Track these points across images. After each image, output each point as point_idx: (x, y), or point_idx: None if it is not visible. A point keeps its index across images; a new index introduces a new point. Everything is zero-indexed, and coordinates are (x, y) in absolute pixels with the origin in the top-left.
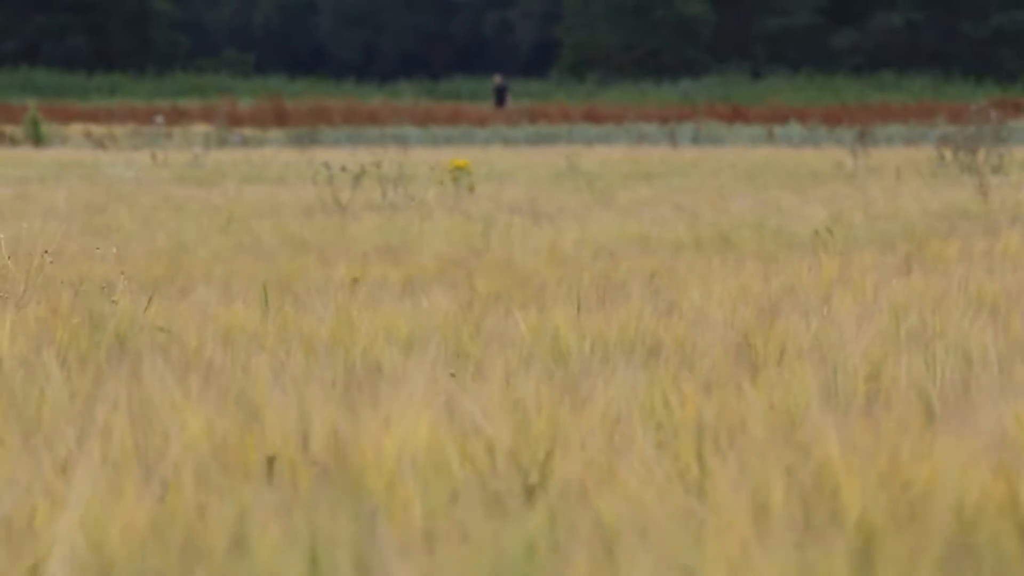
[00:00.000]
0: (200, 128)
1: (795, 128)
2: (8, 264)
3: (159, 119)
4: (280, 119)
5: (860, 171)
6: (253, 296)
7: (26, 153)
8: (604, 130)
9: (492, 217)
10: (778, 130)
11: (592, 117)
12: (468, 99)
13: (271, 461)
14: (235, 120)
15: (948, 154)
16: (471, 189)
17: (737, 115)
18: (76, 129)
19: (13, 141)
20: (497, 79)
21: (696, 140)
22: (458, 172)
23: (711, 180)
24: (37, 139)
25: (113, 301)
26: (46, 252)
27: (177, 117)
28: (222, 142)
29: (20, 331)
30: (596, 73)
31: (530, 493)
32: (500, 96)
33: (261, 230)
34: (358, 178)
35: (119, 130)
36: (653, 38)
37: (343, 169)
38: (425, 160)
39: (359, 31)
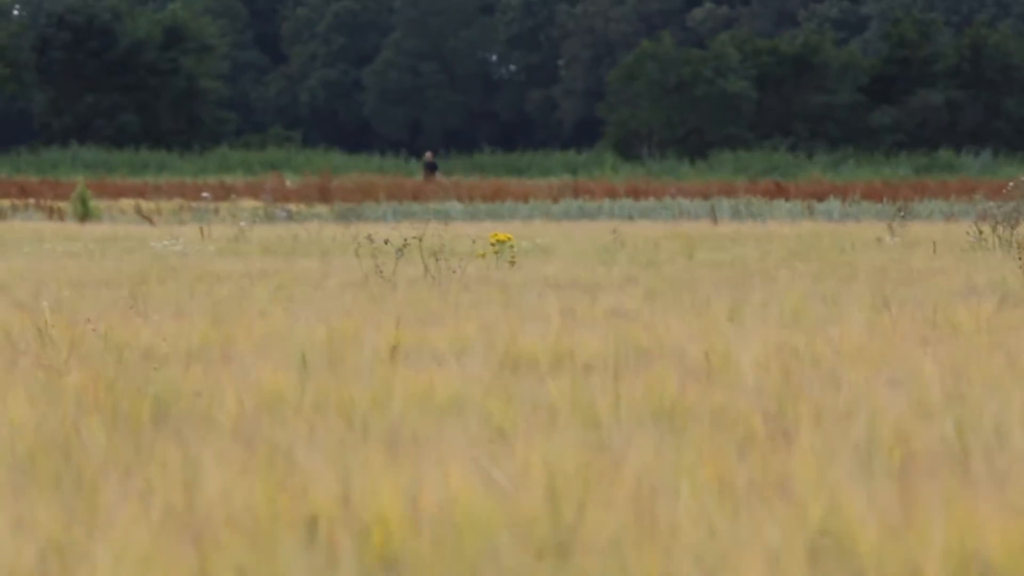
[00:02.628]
0: (247, 204)
1: (835, 203)
2: (52, 332)
3: (206, 195)
4: (325, 195)
5: (898, 245)
6: (294, 362)
7: (74, 228)
8: (646, 205)
9: (531, 289)
10: (818, 205)
11: (634, 192)
12: (511, 175)
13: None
14: (281, 196)
15: (987, 229)
16: (512, 262)
17: (778, 191)
18: (124, 205)
19: (62, 216)
20: (428, 155)
21: (737, 215)
22: (499, 245)
23: (751, 254)
24: (85, 214)
25: (155, 368)
26: (88, 320)
27: (224, 193)
28: (268, 217)
29: (64, 397)
30: (638, 149)
31: (562, 552)
32: (430, 170)
33: (303, 300)
34: (401, 251)
35: (166, 206)
36: (695, 115)
37: (386, 242)
38: (467, 234)
39: (404, 108)
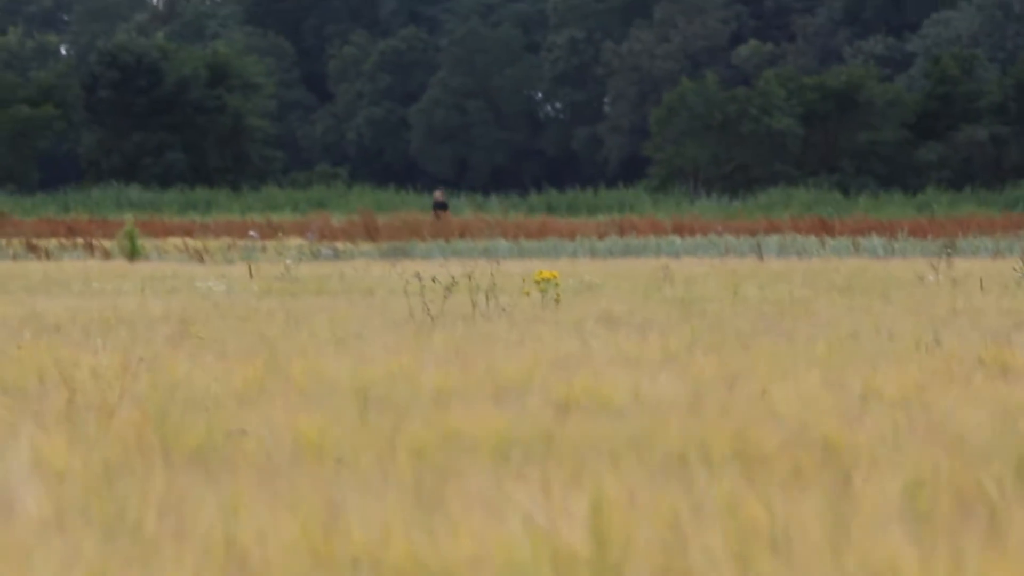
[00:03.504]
0: (293, 242)
1: (880, 240)
2: (102, 371)
3: (253, 233)
4: (372, 233)
5: (944, 282)
6: (341, 402)
7: (122, 266)
8: (692, 242)
9: (579, 327)
10: (863, 242)
11: (680, 230)
12: (558, 212)
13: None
14: (328, 234)
15: None
16: (558, 300)
17: (823, 228)
18: (172, 243)
19: (109, 255)
20: (437, 194)
21: (782, 252)
22: (545, 283)
23: (797, 291)
24: (133, 253)
25: (202, 407)
26: (139, 360)
27: (271, 231)
28: (315, 255)
29: (114, 436)
30: (684, 186)
31: None
32: (440, 208)
33: (351, 339)
34: (448, 289)
35: (214, 244)
36: (741, 152)
37: (433, 280)
38: (514, 271)
39: (450, 146)
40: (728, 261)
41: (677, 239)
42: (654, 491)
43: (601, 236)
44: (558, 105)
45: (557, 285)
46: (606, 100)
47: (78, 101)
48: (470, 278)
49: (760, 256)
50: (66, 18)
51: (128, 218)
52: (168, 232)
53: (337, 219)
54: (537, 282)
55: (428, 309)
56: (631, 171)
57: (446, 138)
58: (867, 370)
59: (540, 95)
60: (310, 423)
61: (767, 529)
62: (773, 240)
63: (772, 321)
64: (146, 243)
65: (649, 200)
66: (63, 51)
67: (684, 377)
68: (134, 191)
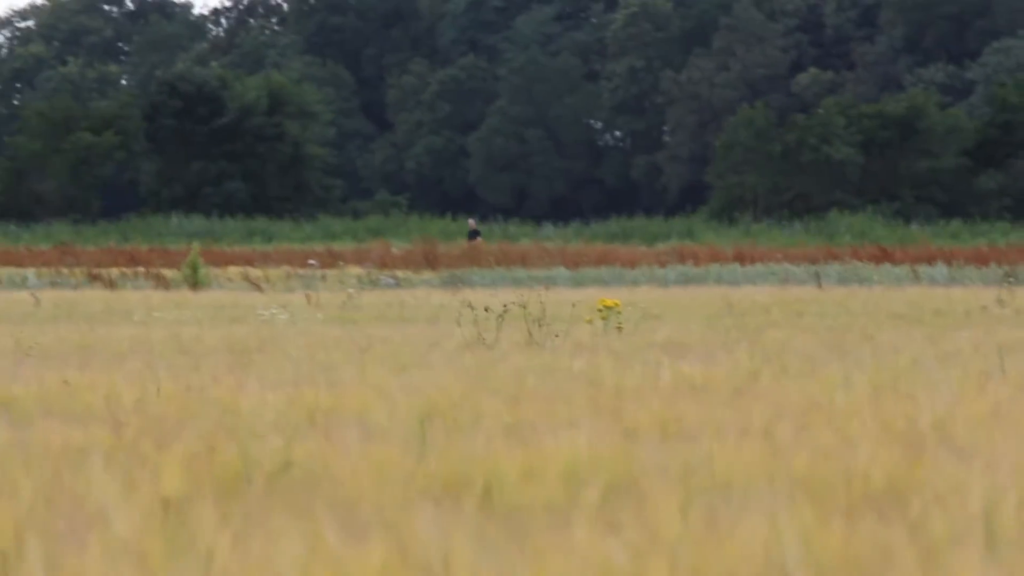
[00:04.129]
0: (353, 270)
1: (941, 269)
2: (164, 400)
3: (313, 262)
4: (431, 261)
5: (1007, 311)
6: (404, 433)
7: (184, 295)
8: (752, 270)
9: (641, 355)
10: (924, 270)
11: (740, 258)
12: (617, 241)
13: None
14: (387, 262)
15: None
16: (620, 328)
17: (883, 256)
18: (233, 272)
19: (172, 284)
20: (471, 222)
21: (842, 280)
22: (607, 311)
23: (857, 319)
24: (195, 282)
25: (263, 437)
26: (200, 389)
27: (331, 260)
28: (374, 284)
29: (175, 468)
30: (744, 214)
31: None
32: (473, 237)
33: (412, 367)
34: (502, 317)
35: (274, 273)
36: (801, 180)
37: (487, 309)
38: (574, 300)
39: (509, 175)
40: (789, 289)
41: (737, 267)
42: (732, 519)
43: (661, 265)
44: (617, 134)
45: (619, 313)
46: (665, 128)
47: (139, 130)
48: (524, 307)
49: (820, 284)
50: (126, 48)
51: (193, 247)
52: (228, 261)
53: (397, 248)
54: (599, 310)
55: (483, 338)
56: (690, 199)
57: (505, 167)
58: (932, 398)
59: (599, 124)
60: (373, 453)
61: (847, 557)
62: (833, 268)
63: (835, 349)
64: (208, 272)
65: (711, 228)
66: (123, 81)
67: (751, 404)
68: (195, 220)
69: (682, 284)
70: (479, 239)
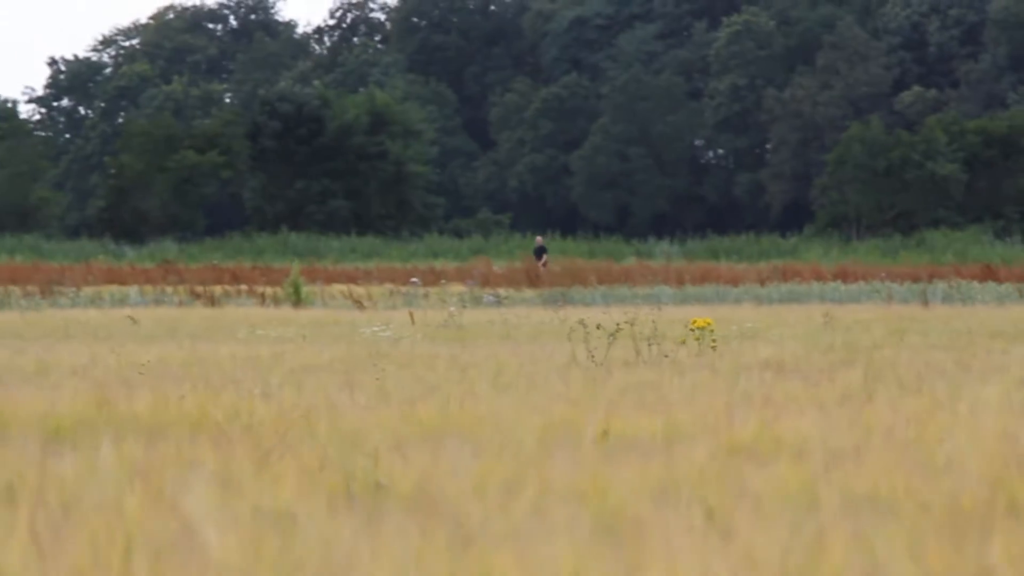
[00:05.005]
0: (455, 288)
1: None
2: (268, 418)
3: (415, 280)
4: (533, 279)
5: None
6: (509, 449)
7: (286, 313)
8: (855, 289)
9: (742, 374)
10: None
11: (843, 276)
12: (719, 258)
13: None
14: (490, 280)
15: None
16: (714, 347)
17: (988, 274)
18: (335, 290)
19: (275, 302)
20: (538, 240)
21: (947, 299)
22: (699, 332)
23: (962, 338)
24: (297, 300)
25: (373, 454)
26: (306, 407)
27: (433, 278)
28: (476, 302)
29: (285, 484)
30: (847, 232)
31: None
32: (539, 255)
33: (515, 385)
34: (612, 336)
35: (376, 291)
36: (905, 198)
37: (598, 327)
38: (677, 318)
39: (612, 193)
40: (892, 307)
41: (840, 285)
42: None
43: (763, 282)
44: (720, 151)
45: (712, 332)
46: (768, 146)
47: (243, 148)
48: (632, 324)
49: (925, 302)
50: (230, 66)
51: (294, 265)
52: (331, 279)
53: (499, 266)
54: (692, 330)
55: (592, 355)
56: (793, 217)
57: (608, 185)
58: None
59: (702, 141)
60: (478, 470)
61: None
62: (938, 286)
63: (940, 368)
64: (310, 289)
65: (814, 246)
66: (227, 99)
67: (854, 423)
68: (298, 238)
69: (784, 302)
70: (545, 257)
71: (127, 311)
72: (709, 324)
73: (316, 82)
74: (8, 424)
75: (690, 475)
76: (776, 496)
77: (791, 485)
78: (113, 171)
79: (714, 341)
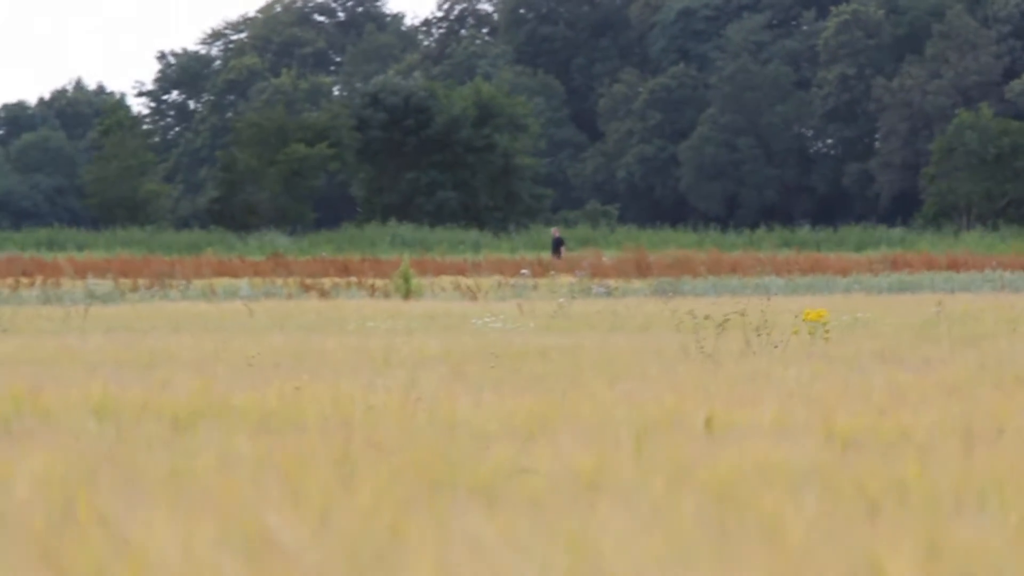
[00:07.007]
0: (565, 279)
1: None
2: (382, 409)
3: (525, 271)
4: (642, 270)
5: None
6: (621, 440)
7: (396, 305)
8: (966, 278)
9: (853, 363)
10: None
11: (954, 265)
12: (828, 249)
13: None
14: (598, 271)
15: None
16: (827, 337)
17: None
18: (444, 282)
19: (385, 294)
20: (555, 231)
21: None
22: (811, 324)
23: None
24: (408, 292)
25: (484, 445)
26: (419, 399)
27: (543, 270)
28: (586, 293)
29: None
30: (957, 221)
31: None
32: (556, 247)
33: (626, 376)
34: (722, 326)
35: (485, 282)
36: (1016, 186)
37: (706, 318)
38: (786, 308)
39: (720, 183)
40: (1005, 296)
41: (953, 274)
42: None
43: (874, 272)
44: (829, 141)
45: (826, 323)
46: (877, 136)
47: (351, 141)
48: (742, 315)
49: None
50: (338, 59)
51: (404, 257)
52: (440, 270)
53: (608, 256)
54: (805, 321)
55: (702, 346)
56: (903, 207)
57: (716, 175)
58: None
59: (811, 132)
60: (590, 461)
61: None
62: None
63: None
64: (420, 281)
65: (924, 236)
66: (335, 92)
67: (962, 414)
68: (407, 229)
69: (896, 292)
70: (563, 248)
71: (238, 304)
72: (822, 316)
73: (416, 73)
74: (122, 413)
75: (802, 464)
76: (884, 489)
77: (907, 478)
78: (224, 164)
79: (827, 331)
